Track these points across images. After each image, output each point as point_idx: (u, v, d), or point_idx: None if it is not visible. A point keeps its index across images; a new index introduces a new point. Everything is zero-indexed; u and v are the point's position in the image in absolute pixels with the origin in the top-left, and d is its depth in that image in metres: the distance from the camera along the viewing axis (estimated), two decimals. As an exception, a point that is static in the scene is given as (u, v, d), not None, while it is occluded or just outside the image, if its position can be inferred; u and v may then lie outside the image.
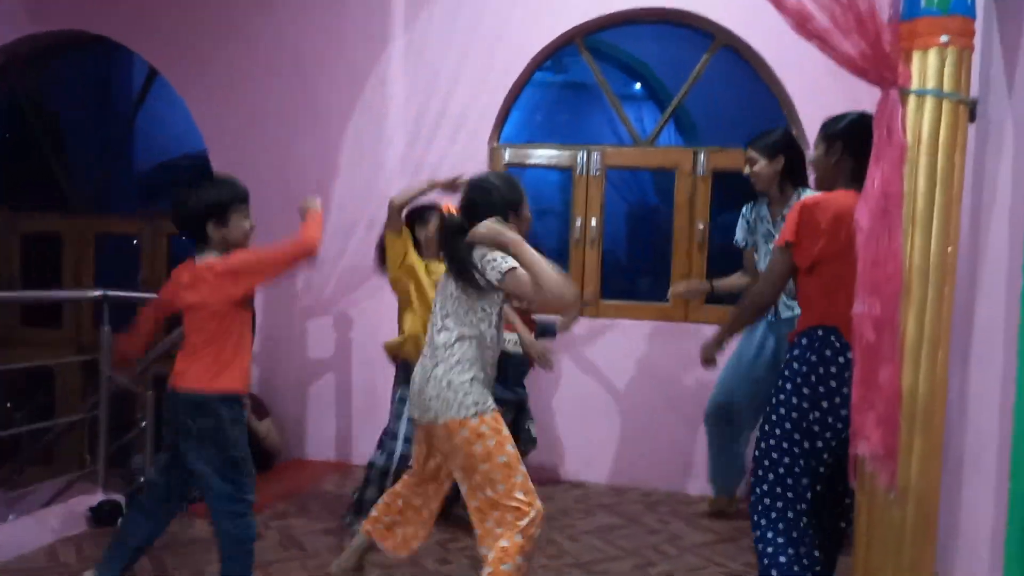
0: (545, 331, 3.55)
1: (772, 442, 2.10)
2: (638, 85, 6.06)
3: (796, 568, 2.04)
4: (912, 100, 1.81)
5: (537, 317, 3.51)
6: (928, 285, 1.78)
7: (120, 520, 3.05)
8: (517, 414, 3.24)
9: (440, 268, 2.43)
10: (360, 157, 4.08)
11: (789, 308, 3.02)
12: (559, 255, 4.41)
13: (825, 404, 2.03)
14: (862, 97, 2.13)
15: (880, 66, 1.82)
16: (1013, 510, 1.85)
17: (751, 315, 2.36)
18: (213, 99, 4.26)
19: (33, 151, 5.08)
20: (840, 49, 1.84)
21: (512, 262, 2.02)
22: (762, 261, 3.10)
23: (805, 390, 2.05)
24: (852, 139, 2.12)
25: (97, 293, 3.37)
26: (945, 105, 1.79)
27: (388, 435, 2.94)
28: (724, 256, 3.60)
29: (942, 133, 1.79)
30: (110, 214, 5.01)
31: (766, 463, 2.11)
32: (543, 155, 4.06)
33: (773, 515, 2.09)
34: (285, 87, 4.15)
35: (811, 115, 3.41)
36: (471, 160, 3.92)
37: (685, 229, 3.86)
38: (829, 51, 1.86)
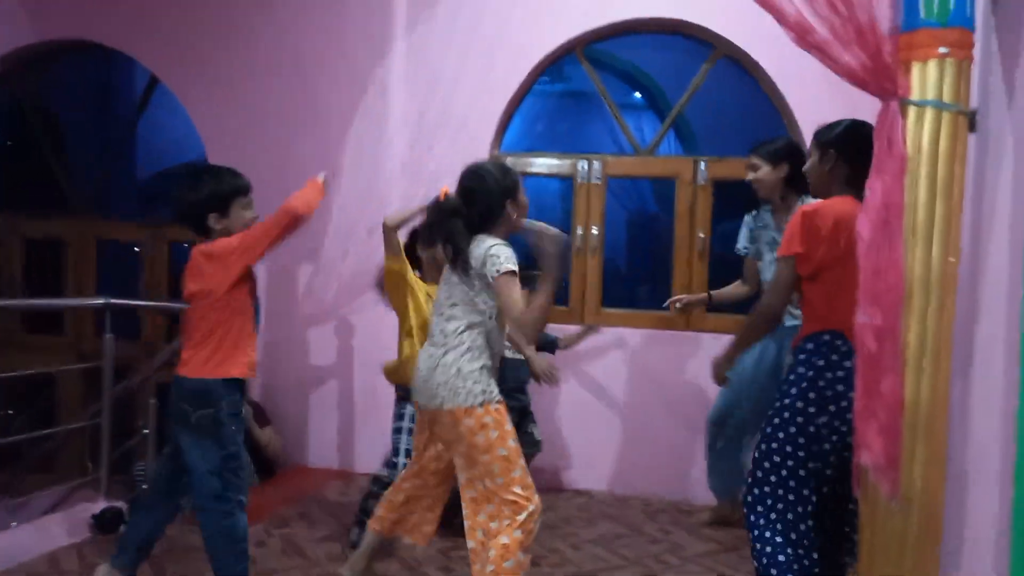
0: (545, 345, 3.56)
1: (775, 445, 2.10)
2: (638, 94, 6.09)
3: (796, 567, 2.04)
4: (912, 111, 1.82)
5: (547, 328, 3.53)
6: (929, 295, 1.79)
7: (122, 525, 3.06)
8: (520, 419, 3.24)
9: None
10: (361, 161, 4.10)
11: (793, 317, 3.02)
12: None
13: (832, 408, 2.04)
14: (862, 107, 2.14)
15: (880, 77, 1.84)
16: (1017, 517, 1.85)
17: (761, 328, 2.29)
18: (213, 103, 4.28)
19: (35, 156, 5.10)
20: (840, 61, 1.86)
21: (513, 266, 2.02)
22: (766, 269, 3.11)
23: (811, 394, 2.06)
24: (846, 146, 2.15)
25: (100, 301, 3.37)
26: (945, 116, 1.81)
27: (391, 452, 2.94)
28: (724, 265, 3.61)
29: (942, 144, 1.81)
30: (112, 220, 5.02)
31: (767, 465, 2.12)
32: (544, 164, 4.08)
33: (772, 516, 2.09)
34: (285, 90, 4.17)
35: (811, 125, 3.37)
36: (473, 168, 3.94)
37: (686, 238, 3.88)
38: (829, 63, 1.87)
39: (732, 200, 3.79)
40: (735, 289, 3.35)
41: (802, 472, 2.07)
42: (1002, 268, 2.13)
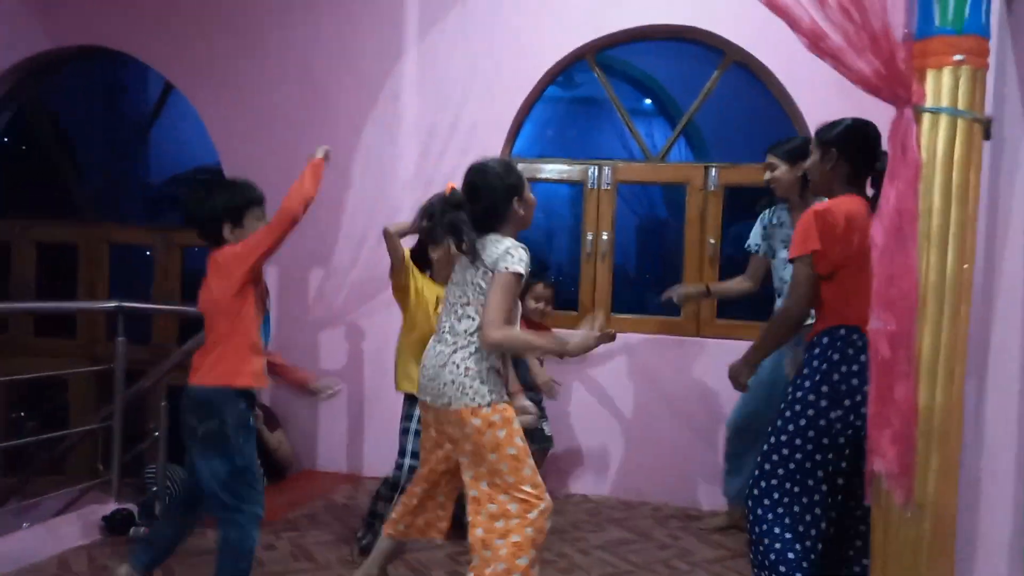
0: None
1: (784, 438, 2.09)
2: (648, 101, 6.09)
3: (805, 565, 2.03)
4: (927, 118, 1.82)
5: (559, 332, 3.53)
6: (944, 302, 1.78)
7: (133, 528, 3.07)
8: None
9: None
10: (372, 168, 4.12)
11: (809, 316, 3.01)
12: (570, 270, 4.43)
13: (847, 402, 2.04)
14: (873, 113, 2.14)
15: (894, 84, 1.84)
16: (1030, 527, 1.85)
17: (784, 332, 2.23)
18: (226, 108, 4.31)
19: (48, 161, 5.14)
20: (854, 68, 1.86)
21: (523, 270, 2.02)
22: (780, 266, 3.09)
23: (824, 388, 2.05)
24: (847, 145, 2.15)
25: (112, 304, 3.40)
26: (960, 123, 1.80)
27: (399, 453, 2.94)
28: (736, 271, 3.60)
29: (957, 151, 1.80)
30: (124, 224, 5.06)
31: (775, 458, 2.11)
32: (554, 170, 4.09)
33: (780, 510, 2.08)
34: (297, 97, 4.19)
35: (822, 131, 3.42)
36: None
37: (696, 244, 3.88)
38: (843, 70, 1.87)
39: (743, 206, 3.79)
40: (736, 285, 3.33)
41: (809, 465, 2.06)
42: (1016, 275, 2.13)
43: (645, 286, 5.95)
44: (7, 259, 4.94)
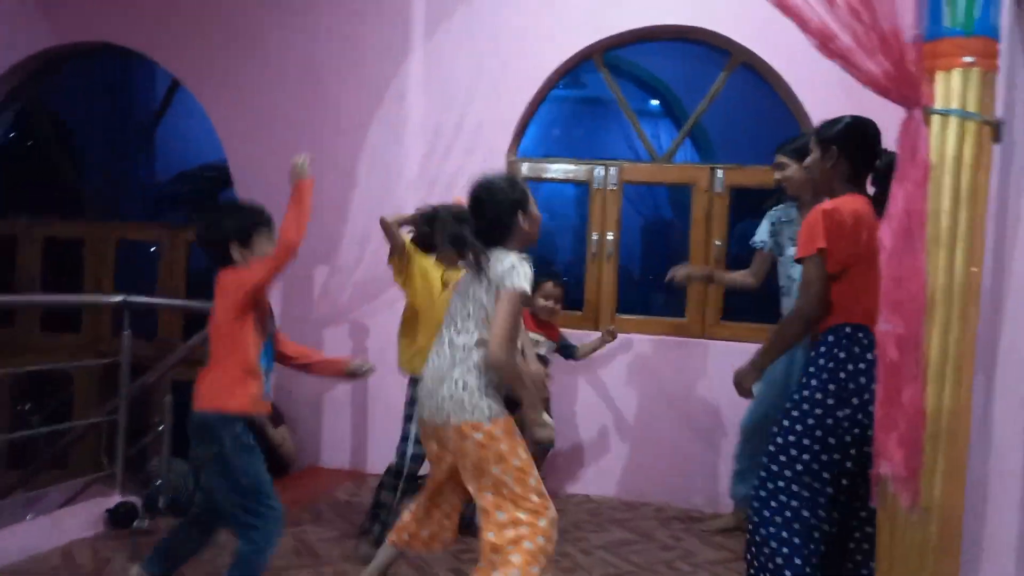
0: (566, 350, 3.58)
1: (791, 438, 2.08)
2: (655, 101, 6.10)
3: (808, 570, 2.02)
4: (936, 120, 1.82)
5: (565, 332, 3.55)
6: (952, 304, 1.78)
7: (136, 520, 3.08)
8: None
9: (457, 276, 2.44)
10: (377, 168, 4.13)
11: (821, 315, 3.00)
12: (575, 269, 4.43)
13: (855, 401, 2.02)
14: (880, 114, 2.14)
15: (903, 86, 1.84)
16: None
17: (795, 333, 2.17)
18: (232, 106, 4.32)
19: (54, 158, 5.16)
20: (863, 69, 1.86)
21: (526, 287, 2.02)
22: (787, 263, 3.08)
23: (831, 386, 2.04)
24: (847, 143, 2.15)
25: (118, 298, 3.41)
26: (969, 125, 1.80)
27: (402, 439, 2.93)
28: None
29: (966, 153, 1.80)
30: (130, 221, 5.07)
31: (782, 459, 2.09)
32: (560, 170, 4.09)
33: (788, 514, 2.06)
34: (304, 96, 4.20)
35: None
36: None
37: (702, 245, 3.87)
38: (852, 70, 1.87)
39: (749, 207, 3.79)
40: (741, 278, 3.33)
41: (816, 467, 2.04)
42: (1025, 277, 2.12)
43: (650, 287, 5.94)
44: (13, 255, 4.96)
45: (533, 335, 3.42)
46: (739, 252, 3.72)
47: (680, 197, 5.08)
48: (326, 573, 2.77)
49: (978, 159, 1.80)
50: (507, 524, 2.03)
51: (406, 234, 2.93)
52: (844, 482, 2.08)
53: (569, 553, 3.06)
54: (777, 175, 3.06)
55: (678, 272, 3.36)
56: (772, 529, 2.07)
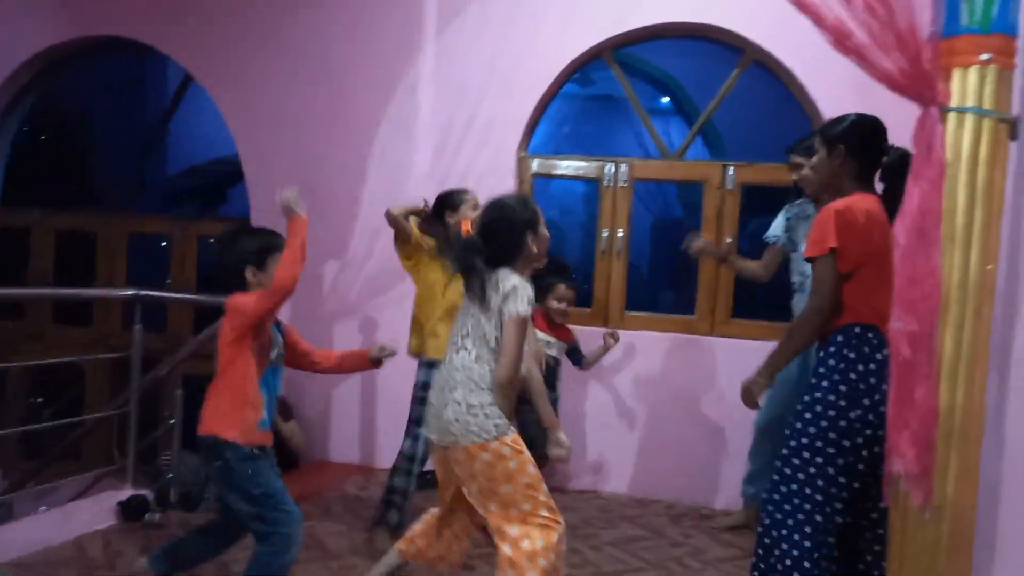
0: (574, 355, 3.59)
1: (804, 440, 2.07)
2: (666, 99, 6.08)
3: (817, 573, 2.02)
4: (952, 118, 1.81)
5: (574, 330, 3.55)
6: (967, 303, 1.77)
7: (147, 513, 3.10)
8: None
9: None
10: (389, 163, 4.14)
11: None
12: (585, 266, 4.43)
13: (867, 401, 2.01)
14: (893, 111, 2.12)
15: (919, 83, 1.83)
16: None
17: (809, 333, 2.13)
18: (244, 101, 4.34)
19: (68, 151, 5.20)
20: (879, 66, 1.85)
21: (528, 310, 2.05)
22: (800, 259, 3.07)
23: (843, 387, 2.03)
24: (853, 140, 2.13)
25: (130, 292, 3.43)
26: (985, 123, 1.80)
27: (412, 422, 2.92)
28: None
29: (982, 151, 1.79)
30: (142, 215, 5.10)
31: (796, 461, 2.08)
32: (570, 166, 4.09)
33: (800, 516, 2.05)
34: (315, 92, 4.21)
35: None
36: (499, 170, 3.96)
37: (712, 242, 3.85)
38: (868, 68, 1.87)
39: (760, 204, 3.78)
40: (754, 268, 3.33)
41: (831, 470, 2.03)
42: (1040, 277, 2.10)
43: (659, 285, 5.94)
44: (26, 248, 5.00)
45: (544, 336, 3.43)
46: (750, 249, 3.71)
47: (690, 195, 5.08)
48: (335, 567, 2.79)
49: (994, 157, 1.80)
50: (520, 538, 2.05)
51: (415, 217, 2.94)
52: (856, 485, 2.07)
53: (579, 549, 3.06)
54: (794, 176, 3.05)
55: (695, 243, 3.36)
56: (784, 531, 2.07)
